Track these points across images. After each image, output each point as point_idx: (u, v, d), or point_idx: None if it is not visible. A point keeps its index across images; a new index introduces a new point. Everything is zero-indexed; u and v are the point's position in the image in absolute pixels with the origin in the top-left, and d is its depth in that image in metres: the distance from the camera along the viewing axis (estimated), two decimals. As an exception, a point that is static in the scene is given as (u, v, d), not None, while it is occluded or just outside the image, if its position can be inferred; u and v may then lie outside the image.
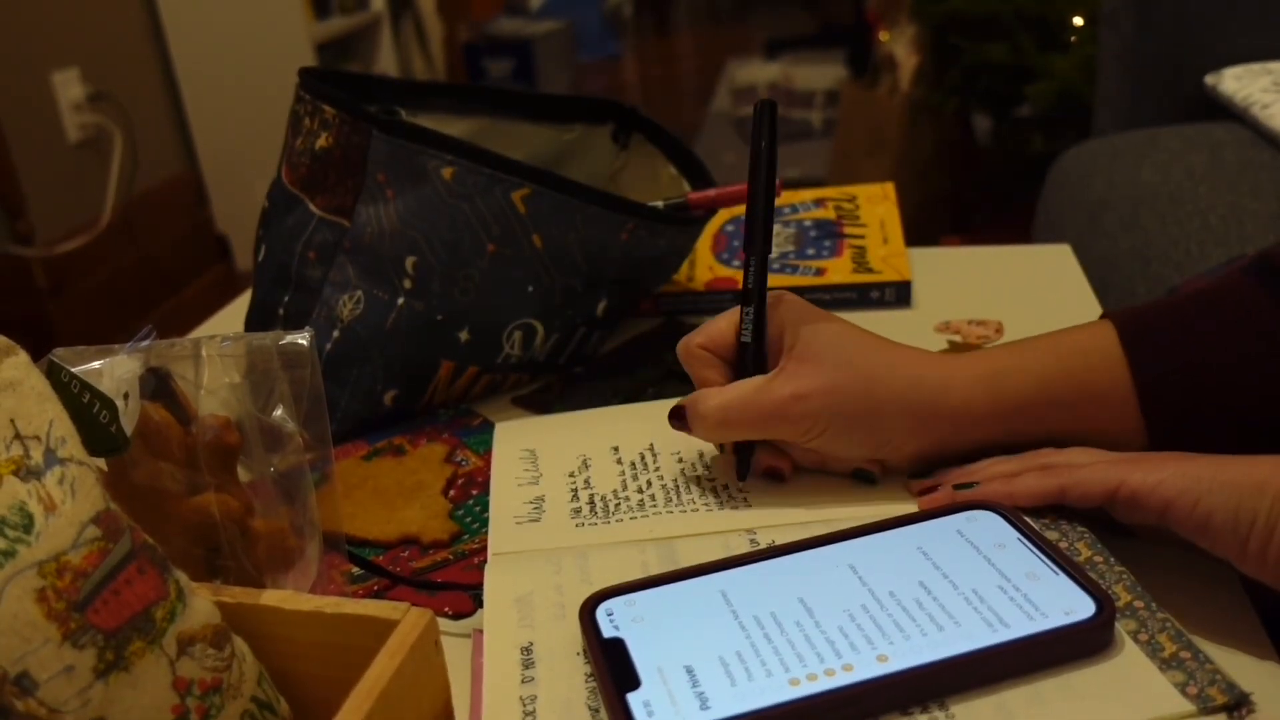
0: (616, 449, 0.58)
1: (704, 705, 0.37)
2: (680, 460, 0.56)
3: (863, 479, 0.52)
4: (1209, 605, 0.43)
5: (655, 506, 0.52)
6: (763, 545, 0.47)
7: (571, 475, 0.56)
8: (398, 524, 0.55)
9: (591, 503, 0.53)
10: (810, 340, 0.50)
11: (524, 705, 0.40)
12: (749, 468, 0.52)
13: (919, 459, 0.51)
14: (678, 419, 0.52)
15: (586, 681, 0.41)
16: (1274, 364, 0.46)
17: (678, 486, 0.54)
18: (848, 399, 0.49)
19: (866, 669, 0.38)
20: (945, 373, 0.50)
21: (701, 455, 0.56)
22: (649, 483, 0.54)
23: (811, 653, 0.39)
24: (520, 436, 0.61)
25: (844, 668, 0.38)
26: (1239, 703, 0.36)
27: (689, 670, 0.39)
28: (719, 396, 0.50)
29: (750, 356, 0.52)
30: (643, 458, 0.56)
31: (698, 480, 0.54)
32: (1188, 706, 0.36)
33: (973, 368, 0.50)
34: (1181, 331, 0.48)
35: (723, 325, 0.53)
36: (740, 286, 0.53)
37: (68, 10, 2.27)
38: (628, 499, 0.53)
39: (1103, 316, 0.51)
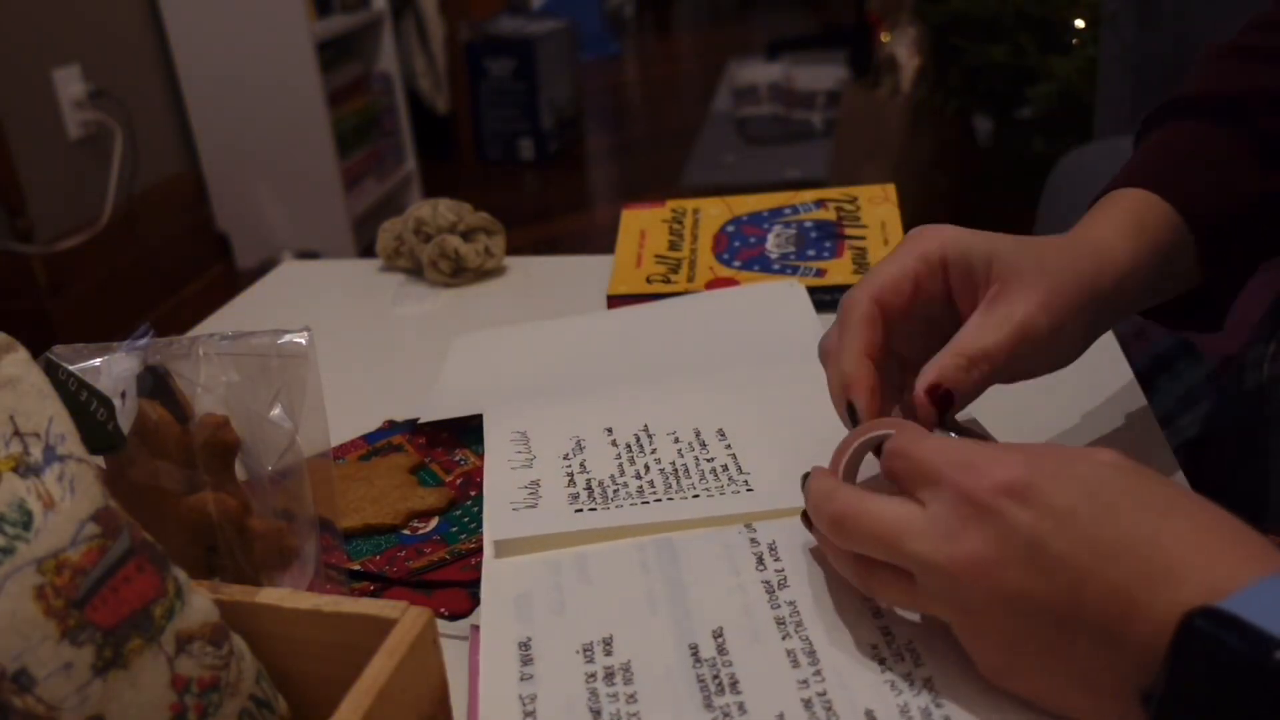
0: (610, 430, 0.57)
1: None
2: (677, 441, 0.56)
3: None
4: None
5: (655, 492, 0.52)
6: (761, 538, 0.47)
7: (566, 458, 0.55)
8: (393, 517, 0.55)
9: (589, 488, 0.53)
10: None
11: (524, 704, 0.40)
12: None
13: None
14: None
15: (587, 682, 0.41)
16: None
17: (675, 470, 0.53)
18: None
19: None
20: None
21: (698, 434, 0.56)
22: (646, 467, 0.54)
23: None
24: (510, 419, 0.60)
25: None
26: None
27: None
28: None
29: None
30: (638, 439, 0.56)
31: (696, 463, 0.54)
32: None
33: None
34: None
35: (896, 278, 0.48)
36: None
37: (69, 7, 2.27)
38: (625, 485, 0.52)
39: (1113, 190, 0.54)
